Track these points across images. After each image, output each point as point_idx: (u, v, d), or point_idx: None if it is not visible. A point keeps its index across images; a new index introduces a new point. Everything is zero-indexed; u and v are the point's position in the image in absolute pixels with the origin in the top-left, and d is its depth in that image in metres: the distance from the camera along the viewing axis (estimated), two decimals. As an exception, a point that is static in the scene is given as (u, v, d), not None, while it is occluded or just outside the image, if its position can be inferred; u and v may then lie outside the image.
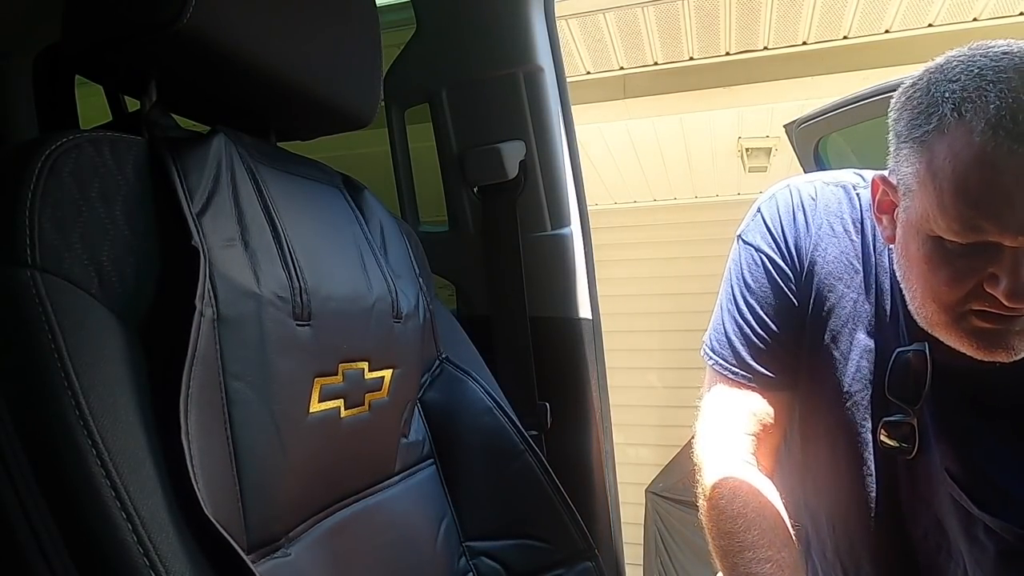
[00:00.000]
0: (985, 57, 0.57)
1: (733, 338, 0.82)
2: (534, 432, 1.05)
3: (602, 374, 1.12)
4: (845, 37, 2.42)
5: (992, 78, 0.55)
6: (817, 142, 1.68)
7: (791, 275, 0.80)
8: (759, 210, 0.84)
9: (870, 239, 0.77)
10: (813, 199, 0.80)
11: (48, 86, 0.66)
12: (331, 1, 0.73)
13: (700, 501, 0.82)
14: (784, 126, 1.78)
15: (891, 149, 0.65)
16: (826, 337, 0.79)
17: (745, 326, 0.81)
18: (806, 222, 0.79)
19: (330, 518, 0.69)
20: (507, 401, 0.93)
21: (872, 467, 0.78)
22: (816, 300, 0.79)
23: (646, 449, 4.07)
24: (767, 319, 0.80)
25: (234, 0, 0.60)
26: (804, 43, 2.47)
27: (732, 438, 0.82)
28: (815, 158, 1.71)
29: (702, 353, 0.87)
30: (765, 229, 0.81)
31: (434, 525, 0.85)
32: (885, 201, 0.68)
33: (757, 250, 0.81)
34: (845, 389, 0.78)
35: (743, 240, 0.84)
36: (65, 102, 0.66)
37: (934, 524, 0.78)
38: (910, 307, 0.69)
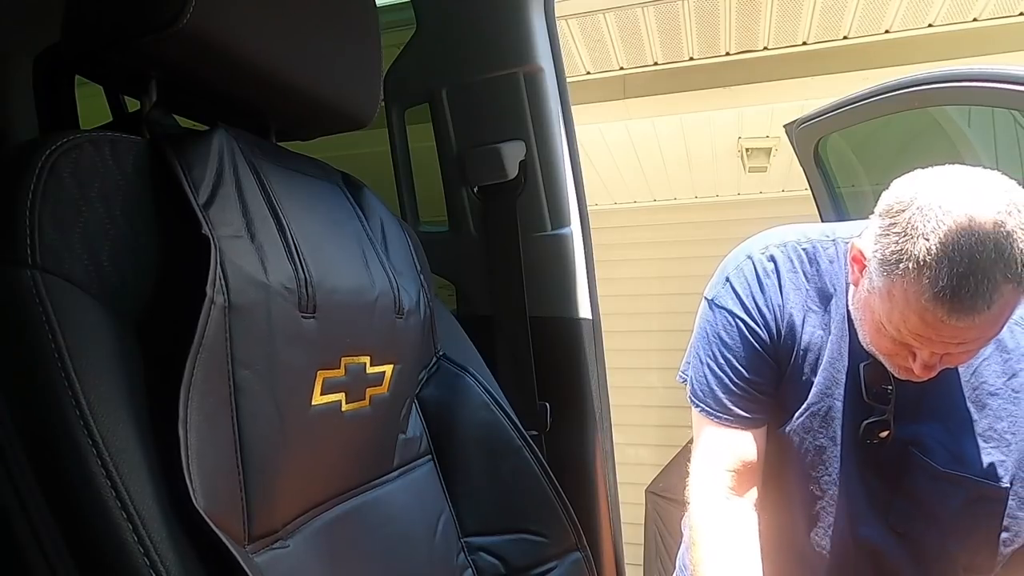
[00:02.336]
0: (968, 223, 0.70)
1: (715, 388, 0.95)
2: (534, 432, 1.05)
3: (602, 374, 1.12)
4: (845, 37, 2.42)
5: (950, 253, 0.71)
6: (817, 142, 1.68)
7: (766, 338, 0.93)
8: (728, 280, 0.96)
9: (826, 280, 0.93)
10: (773, 262, 0.95)
11: (48, 86, 0.66)
12: (331, 1, 0.73)
13: (687, 533, 0.98)
14: (784, 126, 1.78)
15: (871, 231, 0.79)
16: (804, 370, 0.93)
17: (724, 377, 0.94)
18: (775, 285, 0.94)
19: (329, 511, 0.69)
20: (505, 399, 0.93)
21: (829, 471, 0.94)
22: (796, 347, 0.93)
23: (646, 449, 4.07)
24: (743, 370, 0.94)
25: (234, 1, 0.60)
26: (804, 43, 2.47)
27: (714, 476, 0.96)
28: (815, 158, 1.71)
29: (688, 396, 0.99)
30: (736, 298, 0.94)
31: (432, 521, 0.85)
32: (858, 258, 0.83)
33: (731, 314, 0.94)
34: (806, 403, 0.93)
35: (716, 304, 0.96)
36: (65, 102, 0.66)
37: (873, 524, 0.94)
38: (859, 335, 0.88)
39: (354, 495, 0.74)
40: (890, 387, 0.90)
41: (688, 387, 1.00)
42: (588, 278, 1.11)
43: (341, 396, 0.69)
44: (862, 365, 0.91)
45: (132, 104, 0.66)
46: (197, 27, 0.55)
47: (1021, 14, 2.22)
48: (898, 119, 1.47)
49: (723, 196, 4.09)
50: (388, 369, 0.78)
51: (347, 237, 0.77)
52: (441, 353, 0.93)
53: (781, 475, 0.97)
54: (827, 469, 0.94)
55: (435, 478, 0.89)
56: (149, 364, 0.51)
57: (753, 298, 0.94)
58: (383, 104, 1.03)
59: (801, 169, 1.77)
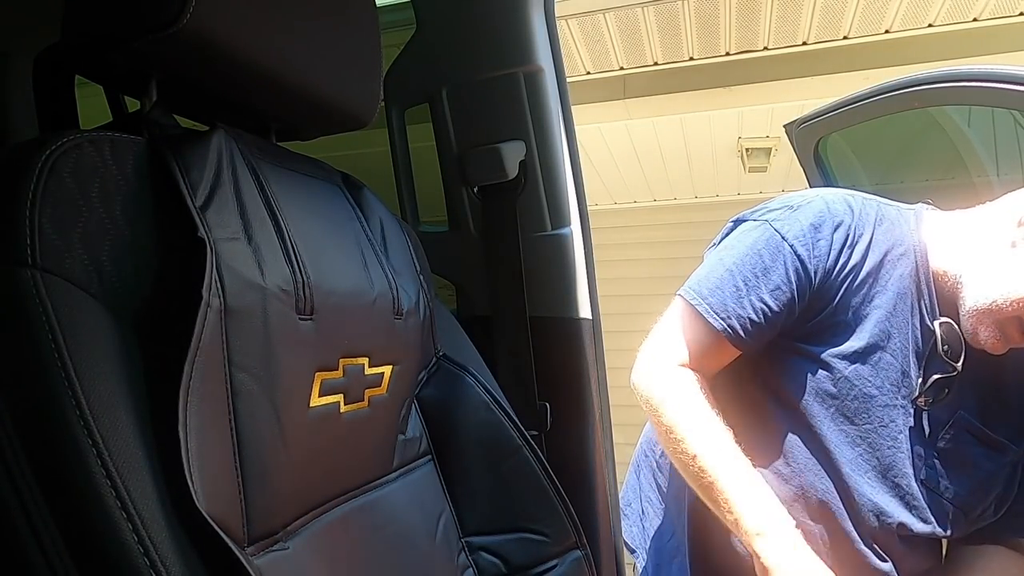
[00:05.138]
0: None
1: (726, 293, 0.96)
2: (534, 432, 1.05)
3: (602, 374, 1.12)
4: (845, 37, 2.42)
5: None
6: (817, 142, 1.68)
7: (812, 272, 0.93)
8: (793, 208, 0.97)
9: (886, 238, 0.96)
10: (848, 206, 0.96)
11: (48, 86, 0.66)
12: (331, 1, 0.73)
13: (656, 404, 0.99)
14: (784, 126, 1.78)
15: None
16: (852, 318, 0.95)
17: (743, 288, 0.95)
18: (846, 227, 0.94)
19: (329, 513, 0.69)
20: (505, 399, 0.93)
21: (871, 420, 0.96)
22: (848, 292, 0.94)
23: (646, 449, 4.06)
24: (768, 298, 0.94)
25: (234, 1, 0.60)
26: (804, 43, 2.47)
27: (674, 361, 1.00)
28: (815, 158, 1.71)
29: (690, 295, 1.00)
30: (798, 226, 0.94)
31: (432, 521, 0.85)
32: None
33: (783, 238, 0.94)
34: (857, 351, 0.94)
35: (772, 225, 0.96)
36: (65, 102, 0.66)
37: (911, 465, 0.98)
38: (973, 305, 0.90)
39: (354, 496, 0.74)
40: (963, 345, 0.93)
41: (690, 285, 1.00)
42: (588, 278, 1.11)
43: (339, 397, 0.69)
44: (937, 323, 0.94)
45: (132, 104, 0.66)
46: (197, 27, 0.55)
47: (1021, 14, 2.22)
48: (898, 119, 1.48)
49: (723, 196, 4.09)
50: (387, 370, 0.77)
51: (346, 238, 0.77)
52: (441, 353, 0.93)
53: (816, 418, 0.98)
54: (869, 417, 0.96)
55: (435, 478, 0.89)
56: (149, 365, 0.51)
57: (815, 231, 0.94)
58: (383, 104, 1.03)
59: (801, 169, 1.77)
